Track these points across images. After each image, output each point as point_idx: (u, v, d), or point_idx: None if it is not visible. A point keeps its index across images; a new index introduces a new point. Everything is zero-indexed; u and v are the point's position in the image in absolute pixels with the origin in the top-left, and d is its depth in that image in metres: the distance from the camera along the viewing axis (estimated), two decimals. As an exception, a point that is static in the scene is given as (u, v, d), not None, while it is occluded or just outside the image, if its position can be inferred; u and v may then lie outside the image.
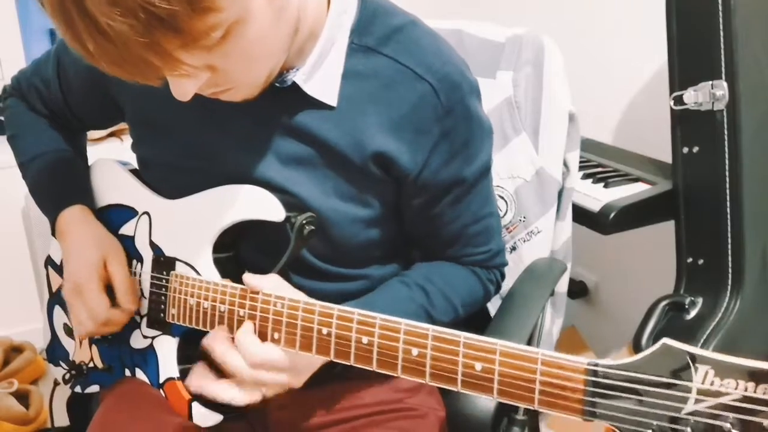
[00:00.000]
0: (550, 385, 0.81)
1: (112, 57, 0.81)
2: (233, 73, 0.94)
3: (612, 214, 1.70)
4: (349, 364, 0.97)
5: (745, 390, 0.71)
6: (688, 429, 0.74)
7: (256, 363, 1.02)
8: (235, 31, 0.86)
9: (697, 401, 0.73)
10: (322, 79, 1.07)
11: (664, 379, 0.75)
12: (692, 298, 1.65)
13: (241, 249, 1.17)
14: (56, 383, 1.43)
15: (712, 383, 0.72)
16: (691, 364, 0.73)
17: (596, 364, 0.79)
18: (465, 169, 1.15)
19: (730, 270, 1.62)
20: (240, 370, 1.02)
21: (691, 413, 0.74)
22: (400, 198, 1.16)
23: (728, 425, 0.72)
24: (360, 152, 1.09)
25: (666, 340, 0.74)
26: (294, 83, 1.06)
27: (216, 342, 1.05)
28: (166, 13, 0.77)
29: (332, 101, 1.08)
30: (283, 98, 1.08)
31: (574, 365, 0.80)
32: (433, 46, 1.11)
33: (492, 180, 1.25)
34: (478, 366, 0.86)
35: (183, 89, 0.92)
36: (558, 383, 0.81)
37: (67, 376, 1.34)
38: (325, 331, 0.97)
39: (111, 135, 2.61)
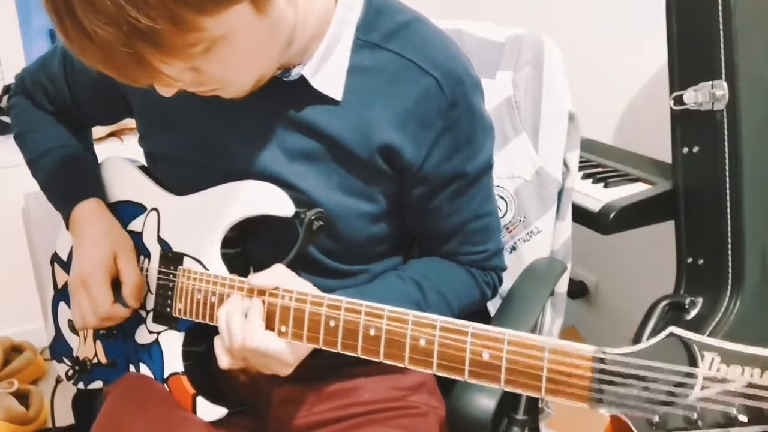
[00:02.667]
0: (558, 373, 0.82)
1: (98, 59, 0.85)
2: (217, 77, 0.96)
3: (612, 214, 1.70)
4: (355, 355, 0.97)
5: (751, 376, 0.71)
6: (695, 415, 0.74)
7: (248, 347, 1.02)
8: (220, 45, 0.88)
9: (703, 388, 0.74)
10: (328, 73, 1.08)
11: (671, 366, 0.75)
12: (692, 298, 1.66)
13: (248, 245, 1.17)
14: (58, 381, 1.43)
15: (718, 370, 0.73)
16: (697, 352, 0.74)
17: (603, 352, 0.79)
18: (467, 164, 1.16)
19: (730, 270, 1.62)
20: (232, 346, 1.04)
21: (698, 399, 0.74)
22: (402, 190, 1.17)
23: (734, 411, 0.72)
24: (366, 146, 1.10)
25: (672, 328, 0.75)
26: (300, 77, 1.07)
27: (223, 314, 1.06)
28: (148, 29, 0.80)
29: (338, 95, 1.09)
30: (290, 93, 1.09)
31: (581, 353, 0.80)
32: (438, 42, 1.13)
33: (493, 180, 1.26)
34: (486, 355, 0.86)
35: (166, 88, 0.96)
36: (565, 371, 0.81)
37: (70, 372, 1.34)
38: (332, 323, 0.97)
39: (111, 135, 2.61)
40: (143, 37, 0.80)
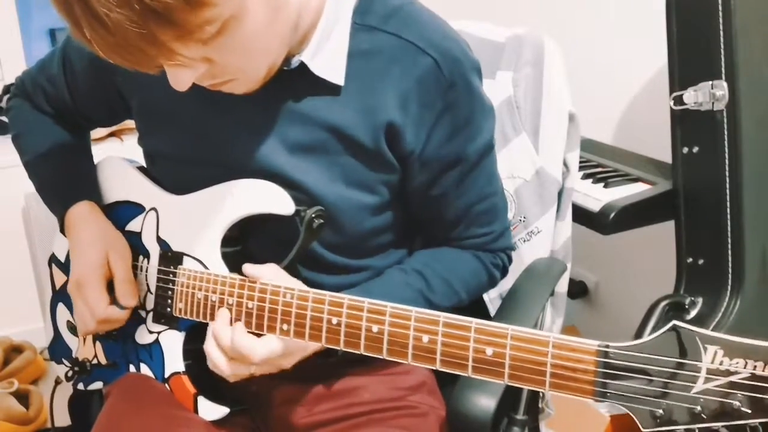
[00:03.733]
0: (562, 368, 0.82)
1: (110, 45, 0.84)
2: (231, 66, 0.96)
3: (612, 214, 1.70)
4: (359, 353, 0.97)
5: (754, 369, 0.72)
6: (698, 408, 0.74)
7: (258, 360, 1.03)
8: (231, 27, 0.88)
9: (706, 380, 0.74)
10: (327, 57, 1.08)
11: (674, 360, 0.76)
12: (692, 298, 1.66)
13: (249, 243, 1.17)
14: (57, 382, 1.43)
15: (721, 363, 0.73)
16: (700, 345, 0.74)
17: (607, 346, 0.79)
18: (468, 146, 1.16)
19: (730, 270, 1.62)
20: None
21: (701, 392, 0.75)
22: (405, 178, 1.17)
23: (737, 403, 0.72)
24: (371, 130, 1.10)
25: (675, 322, 0.75)
26: (300, 65, 1.07)
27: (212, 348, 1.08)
28: (161, 6, 0.80)
29: (339, 80, 1.08)
30: (290, 83, 1.09)
31: (585, 347, 0.80)
32: (433, 21, 1.13)
33: (496, 159, 1.25)
34: (489, 351, 0.86)
35: (180, 79, 0.94)
36: (569, 365, 0.81)
37: (70, 374, 1.34)
38: (335, 321, 0.97)
39: (111, 135, 2.61)
40: (156, 15, 0.80)
